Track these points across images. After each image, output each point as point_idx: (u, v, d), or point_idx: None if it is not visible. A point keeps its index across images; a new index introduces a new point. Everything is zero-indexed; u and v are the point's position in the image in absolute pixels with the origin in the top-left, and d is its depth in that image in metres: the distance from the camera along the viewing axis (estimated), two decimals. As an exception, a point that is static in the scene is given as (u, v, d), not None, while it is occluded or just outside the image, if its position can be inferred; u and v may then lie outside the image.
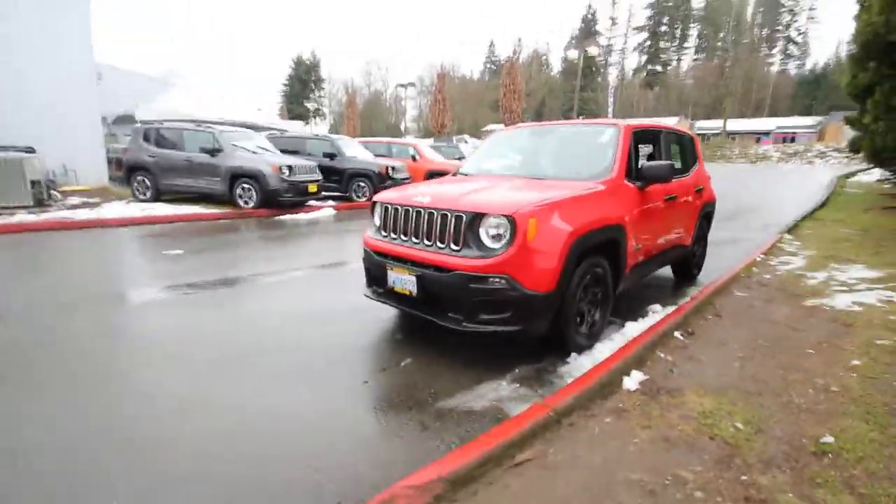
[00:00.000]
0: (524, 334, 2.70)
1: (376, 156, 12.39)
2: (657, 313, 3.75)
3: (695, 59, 63.34)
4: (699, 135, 44.59)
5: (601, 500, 1.64)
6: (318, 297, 4.19)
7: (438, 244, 2.79)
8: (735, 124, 45.65)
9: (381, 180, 11.04)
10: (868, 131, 6.11)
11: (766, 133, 43.96)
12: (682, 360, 2.82)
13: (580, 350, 2.94)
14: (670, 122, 45.71)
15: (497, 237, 2.62)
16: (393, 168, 11.28)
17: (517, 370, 2.75)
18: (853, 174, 20.55)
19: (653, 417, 2.17)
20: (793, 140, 40.93)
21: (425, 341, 3.14)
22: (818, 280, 4.47)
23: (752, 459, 1.86)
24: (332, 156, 11.22)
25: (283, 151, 10.44)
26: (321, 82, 63.67)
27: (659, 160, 3.78)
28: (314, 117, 59.07)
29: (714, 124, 46.23)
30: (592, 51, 21.10)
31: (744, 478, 1.75)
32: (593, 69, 61.96)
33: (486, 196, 2.85)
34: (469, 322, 2.66)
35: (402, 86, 29.70)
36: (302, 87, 62.06)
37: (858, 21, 6.16)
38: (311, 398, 2.44)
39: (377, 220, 3.32)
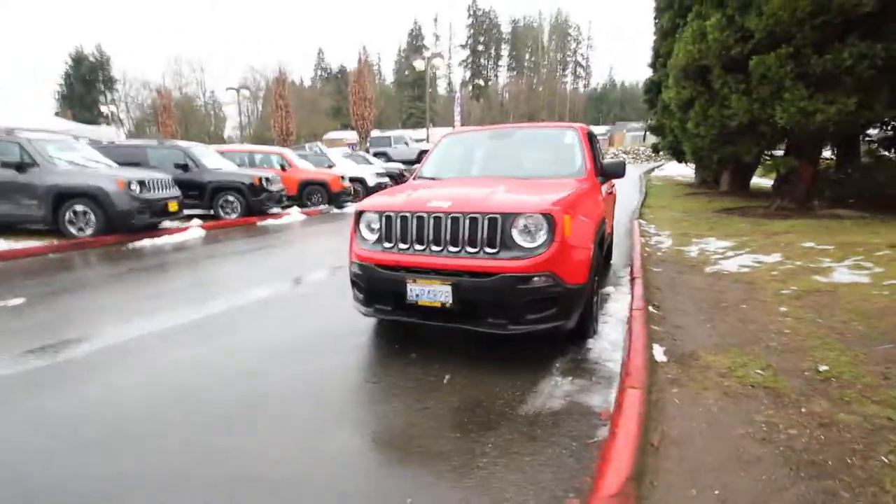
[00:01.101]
0: (561, 329, 2.78)
1: (238, 166, 11.02)
2: (612, 293, 4.25)
3: (509, 76, 72.12)
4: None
5: (741, 457, 1.82)
6: (275, 338, 3.57)
7: (469, 249, 2.68)
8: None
9: (255, 193, 9.87)
10: (690, 135, 7.88)
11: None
12: (671, 328, 3.26)
13: (593, 335, 3.16)
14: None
15: (531, 236, 2.64)
16: (267, 179, 10.16)
17: (557, 364, 2.82)
18: (651, 170, 25.97)
19: (701, 381, 2.47)
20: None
21: (438, 354, 2.98)
22: (696, 252, 5.61)
23: (793, 395, 2.27)
24: (184, 167, 9.57)
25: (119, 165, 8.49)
26: (113, 83, 53.61)
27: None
28: (109, 123, 49.36)
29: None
30: (438, 62, 22.25)
31: (803, 410, 2.14)
32: (428, 80, 65.40)
33: (509, 196, 2.83)
34: (515, 324, 2.63)
35: (235, 89, 26.60)
36: (86, 88, 51.26)
37: (677, 48, 7.89)
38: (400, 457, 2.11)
39: (371, 232, 3.02)
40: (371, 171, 14.83)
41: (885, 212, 7.16)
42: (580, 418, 2.24)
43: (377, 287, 2.93)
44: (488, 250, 2.65)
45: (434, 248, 2.76)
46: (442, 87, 73.02)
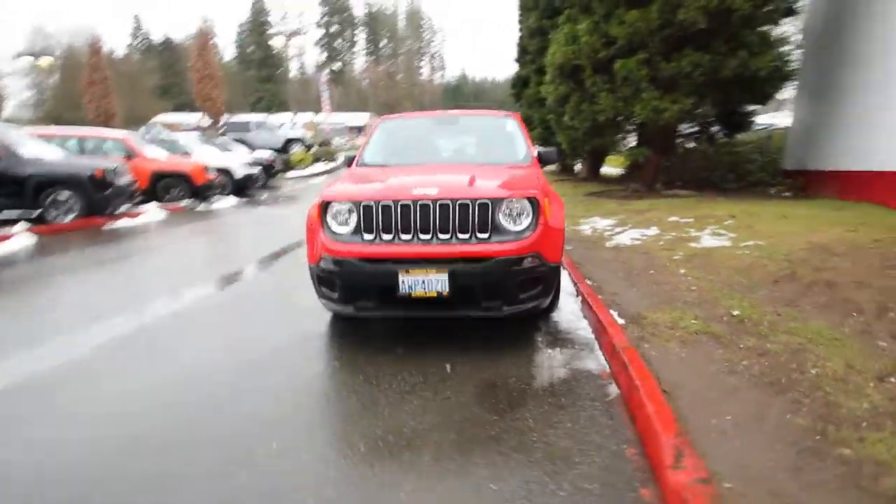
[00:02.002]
0: (541, 306, 2.98)
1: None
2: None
3: (367, 62, 70.85)
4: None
5: (726, 388, 2.25)
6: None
7: (459, 236, 2.70)
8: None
9: (99, 188, 8.09)
10: (565, 127, 8.90)
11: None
12: (609, 295, 3.73)
13: (555, 309, 3.46)
14: (363, 118, 50.19)
15: (517, 219, 2.78)
16: (112, 171, 8.39)
17: (539, 338, 3.04)
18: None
19: (659, 335, 2.93)
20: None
21: (421, 346, 2.97)
22: (589, 231, 6.43)
23: (727, 336, 2.84)
24: (-10, 156, 7.37)
25: None
26: None
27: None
28: None
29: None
30: (299, 42, 20.77)
31: (741, 346, 2.70)
32: (277, 60, 60.48)
33: (488, 182, 2.91)
34: (509, 306, 2.76)
35: (32, 55, 20.96)
36: None
37: (553, 48, 8.77)
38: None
39: (342, 224, 2.82)
40: (238, 161, 13.31)
41: (704, 190, 9.11)
42: (587, 382, 2.48)
43: (360, 283, 2.76)
44: (480, 236, 2.70)
45: (423, 236, 2.71)
46: (294, 69, 68.40)
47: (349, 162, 4.03)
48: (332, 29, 69.87)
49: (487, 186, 2.82)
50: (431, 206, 2.69)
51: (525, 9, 13.61)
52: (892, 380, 2.21)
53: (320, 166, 19.54)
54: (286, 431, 2.07)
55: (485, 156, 3.83)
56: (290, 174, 18.33)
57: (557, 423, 2.09)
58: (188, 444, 1.96)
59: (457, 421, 2.14)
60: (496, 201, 2.72)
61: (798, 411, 2.02)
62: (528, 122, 15.41)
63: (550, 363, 2.71)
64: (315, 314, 3.33)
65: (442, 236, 2.70)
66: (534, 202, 2.76)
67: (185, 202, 10.49)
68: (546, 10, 11.07)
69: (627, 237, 5.70)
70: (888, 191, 5.92)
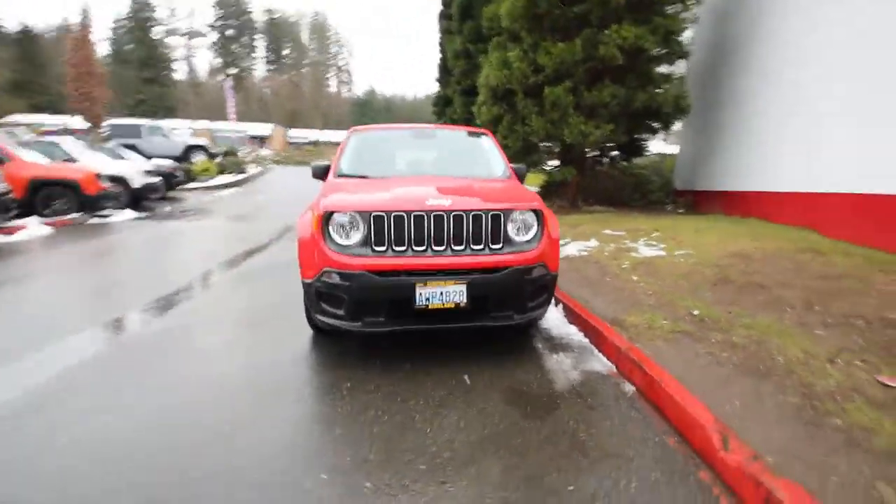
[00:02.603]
0: (544, 314, 3.11)
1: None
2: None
3: (268, 70, 67.43)
4: (292, 143, 48.63)
5: (719, 378, 2.55)
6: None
7: (473, 247, 2.74)
8: (322, 135, 52.65)
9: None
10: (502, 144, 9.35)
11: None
12: (582, 302, 4.00)
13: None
14: (266, 129, 47.47)
15: (524, 230, 2.89)
16: (-21, 176, 6.93)
17: (537, 345, 3.16)
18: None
19: (643, 335, 3.21)
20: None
21: (423, 359, 2.94)
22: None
23: (698, 332, 3.22)
24: None
25: None
26: None
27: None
28: None
29: (303, 133, 51.77)
30: (194, 43, 19.14)
31: (713, 340, 3.07)
32: (162, 61, 54.99)
33: (492, 194, 2.98)
34: (519, 314, 2.84)
35: None
36: None
37: (486, 71, 9.22)
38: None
39: (346, 236, 2.70)
40: (135, 169, 11.78)
41: (615, 206, 10.19)
42: (601, 382, 2.65)
43: (372, 297, 2.64)
44: (493, 246, 2.76)
45: (436, 248, 2.69)
46: (183, 72, 62.68)
47: (322, 173, 3.85)
48: (229, 33, 65.56)
49: (494, 199, 2.89)
50: (445, 217, 2.69)
51: (448, 32, 14.16)
52: (839, 360, 2.68)
53: (227, 177, 18.03)
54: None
55: (465, 170, 3.90)
56: (193, 185, 16.64)
57: (597, 422, 2.21)
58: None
59: (504, 429, 2.15)
60: (507, 212, 2.81)
61: (785, 392, 2.37)
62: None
63: (560, 367, 2.83)
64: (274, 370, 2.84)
65: (455, 248, 2.71)
66: (539, 214, 2.90)
67: (72, 215, 8.99)
68: (472, 35, 11.65)
69: (574, 248, 6.14)
70: (768, 207, 7.17)
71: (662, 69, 8.81)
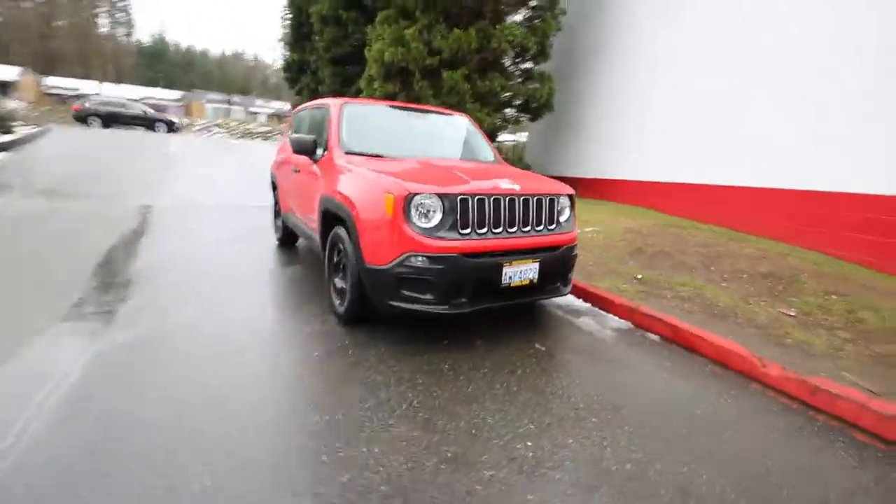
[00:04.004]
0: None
1: None
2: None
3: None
4: (53, 95, 37.29)
5: (697, 320, 3.44)
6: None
7: (537, 228, 3.01)
8: (101, 89, 41.33)
9: None
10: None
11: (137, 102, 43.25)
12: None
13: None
14: (9, 73, 35.01)
15: (562, 212, 3.27)
16: None
17: (560, 314, 3.60)
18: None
19: (625, 296, 3.99)
20: (164, 111, 42.84)
21: (462, 332, 3.16)
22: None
23: (655, 290, 4.16)
24: None
25: None
26: None
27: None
28: None
29: (67, 83, 39.73)
30: None
31: (669, 296, 4.03)
32: None
33: (533, 180, 3.25)
34: (564, 286, 3.24)
35: None
36: None
37: (379, 45, 8.95)
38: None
39: (426, 219, 2.67)
40: None
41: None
42: (630, 334, 3.29)
43: (463, 278, 2.68)
44: (550, 227, 3.07)
45: (510, 229, 2.87)
46: None
47: (306, 148, 3.50)
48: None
49: (538, 183, 3.17)
50: (517, 200, 2.88)
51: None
52: (751, 302, 3.88)
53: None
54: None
55: (464, 152, 4.03)
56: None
57: (657, 364, 2.80)
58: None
59: (596, 372, 2.56)
60: (556, 197, 3.13)
61: (746, 326, 3.37)
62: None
63: (593, 328, 3.36)
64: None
65: (525, 229, 2.93)
66: (572, 198, 3.31)
67: None
68: (343, 0, 11.00)
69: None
70: (617, 191, 9.06)
71: (539, 67, 10.01)
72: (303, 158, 3.92)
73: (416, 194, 2.63)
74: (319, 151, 3.61)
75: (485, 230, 2.77)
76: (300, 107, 5.23)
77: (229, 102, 46.91)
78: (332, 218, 3.24)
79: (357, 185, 2.93)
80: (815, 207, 5.72)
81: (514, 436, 2.00)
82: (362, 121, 3.76)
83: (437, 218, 2.67)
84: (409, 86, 8.99)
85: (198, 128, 34.27)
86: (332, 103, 3.81)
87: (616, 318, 3.62)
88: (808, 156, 5.85)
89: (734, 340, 2.97)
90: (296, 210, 4.31)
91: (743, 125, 6.69)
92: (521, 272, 2.85)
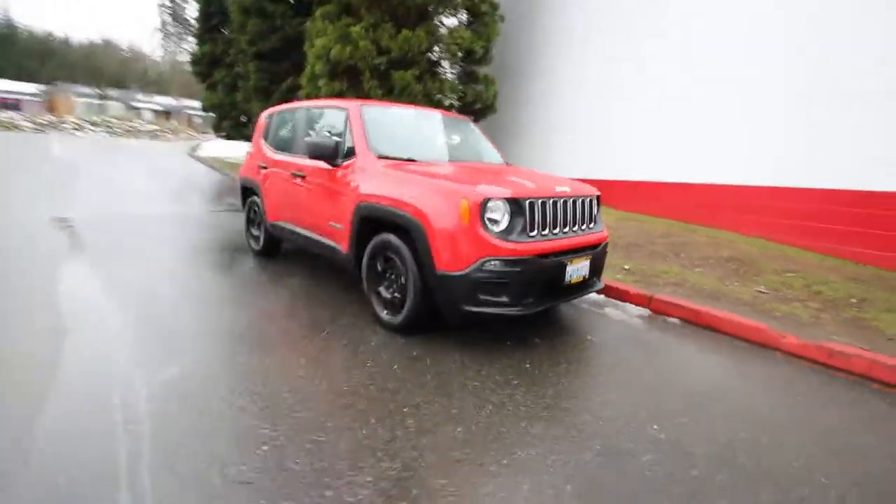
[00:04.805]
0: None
1: None
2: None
3: None
4: None
5: (705, 296, 3.89)
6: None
7: (582, 227, 3.17)
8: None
9: None
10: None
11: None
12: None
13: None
14: None
15: (594, 212, 3.48)
16: None
17: (584, 306, 3.81)
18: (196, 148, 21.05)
19: (632, 285, 4.34)
20: (17, 108, 35.81)
21: (519, 329, 3.31)
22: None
23: (649, 279, 4.57)
24: None
25: None
26: None
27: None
28: None
29: None
30: None
31: (659, 282, 4.47)
32: None
33: (566, 183, 3.40)
34: (599, 280, 3.45)
35: None
36: None
37: (323, 42, 8.52)
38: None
39: (495, 223, 2.70)
40: None
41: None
42: (652, 319, 3.60)
43: (536, 279, 2.75)
44: (592, 226, 3.25)
45: (566, 229, 3.00)
46: None
47: (328, 154, 3.32)
48: None
49: (578, 185, 3.34)
50: (571, 202, 3.01)
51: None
52: (727, 284, 4.45)
53: None
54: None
55: (478, 157, 4.06)
56: None
57: (696, 345, 3.13)
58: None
59: (647, 358, 2.83)
60: (593, 197, 3.32)
61: (741, 305, 3.86)
62: (220, 108, 13.63)
63: (619, 317, 3.61)
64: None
65: (577, 228, 3.08)
66: (598, 198, 3.53)
67: None
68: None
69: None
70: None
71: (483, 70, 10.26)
72: (313, 163, 3.65)
73: (489, 199, 2.63)
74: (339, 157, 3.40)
75: (547, 231, 2.86)
76: (275, 109, 4.83)
77: (103, 97, 40.91)
78: (374, 225, 3.09)
79: (419, 191, 2.83)
80: (741, 199, 6.70)
81: (647, 416, 2.14)
82: (384, 124, 3.62)
83: (506, 221, 2.70)
84: (358, 85, 8.71)
85: (69, 126, 29.51)
86: (348, 105, 3.61)
87: (633, 306, 3.93)
88: (716, 155, 6.84)
89: (752, 319, 3.42)
90: (297, 219, 3.99)
91: (664, 125, 7.59)
92: (578, 269, 2.99)
